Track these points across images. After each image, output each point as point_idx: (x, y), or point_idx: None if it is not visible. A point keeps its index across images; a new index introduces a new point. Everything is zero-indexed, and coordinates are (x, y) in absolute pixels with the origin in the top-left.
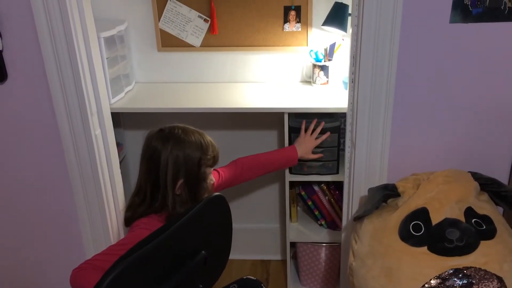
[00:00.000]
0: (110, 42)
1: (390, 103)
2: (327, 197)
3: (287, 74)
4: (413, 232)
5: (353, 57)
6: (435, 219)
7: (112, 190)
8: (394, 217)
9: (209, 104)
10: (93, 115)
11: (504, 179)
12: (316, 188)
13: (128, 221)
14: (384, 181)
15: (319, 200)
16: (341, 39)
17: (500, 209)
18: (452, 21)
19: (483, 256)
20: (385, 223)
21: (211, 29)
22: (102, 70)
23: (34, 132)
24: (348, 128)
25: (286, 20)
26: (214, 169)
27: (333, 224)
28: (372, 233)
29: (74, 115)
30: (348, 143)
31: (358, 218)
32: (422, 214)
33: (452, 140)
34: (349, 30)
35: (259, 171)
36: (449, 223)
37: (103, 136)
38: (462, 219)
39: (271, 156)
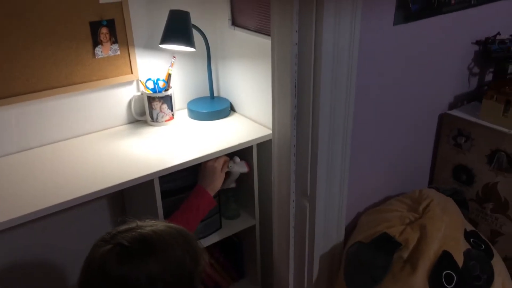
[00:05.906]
0: None
1: (348, 136)
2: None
3: (110, 117)
4: (448, 286)
5: (295, 86)
6: (459, 259)
7: None
8: (418, 277)
9: None
10: None
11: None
12: None
13: None
14: (342, 227)
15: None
16: (171, 58)
17: None
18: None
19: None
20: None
21: None
22: None
23: None
24: (292, 177)
25: (96, 42)
26: None
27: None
28: None
29: None
30: (292, 196)
31: None
32: (447, 259)
33: (390, 159)
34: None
35: None
36: (468, 256)
37: None
38: (468, 244)
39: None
